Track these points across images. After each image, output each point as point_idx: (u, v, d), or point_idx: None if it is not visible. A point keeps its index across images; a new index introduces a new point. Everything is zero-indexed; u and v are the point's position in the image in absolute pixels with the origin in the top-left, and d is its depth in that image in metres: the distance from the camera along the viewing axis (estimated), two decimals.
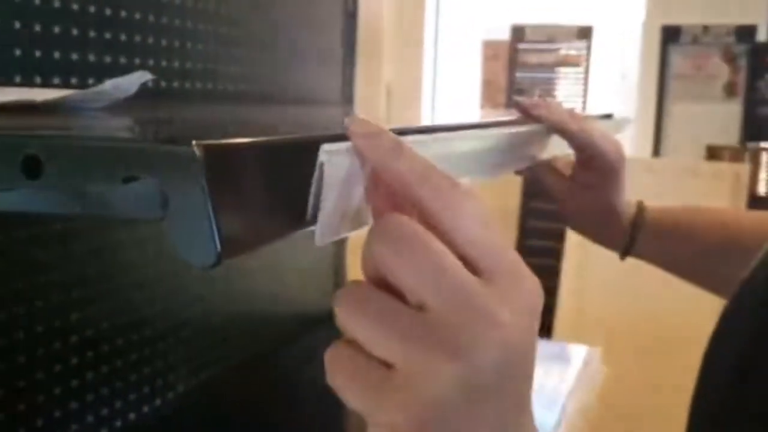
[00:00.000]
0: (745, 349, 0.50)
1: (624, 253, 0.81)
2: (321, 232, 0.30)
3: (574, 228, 0.84)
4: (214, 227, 0.24)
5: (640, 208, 0.81)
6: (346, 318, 0.33)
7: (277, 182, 0.28)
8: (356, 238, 0.59)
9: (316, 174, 0.28)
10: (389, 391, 0.31)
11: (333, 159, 0.29)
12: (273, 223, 0.28)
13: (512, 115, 0.75)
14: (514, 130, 0.61)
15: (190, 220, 0.24)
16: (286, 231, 0.28)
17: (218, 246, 0.24)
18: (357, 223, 0.35)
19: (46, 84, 0.72)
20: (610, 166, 0.77)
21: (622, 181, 0.79)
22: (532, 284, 0.34)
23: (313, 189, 0.28)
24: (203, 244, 0.24)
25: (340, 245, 1.35)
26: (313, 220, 0.29)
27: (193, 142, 0.23)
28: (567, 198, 0.81)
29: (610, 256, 0.82)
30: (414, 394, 0.31)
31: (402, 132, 0.35)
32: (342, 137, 0.30)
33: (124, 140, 0.25)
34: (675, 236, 0.80)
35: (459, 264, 0.32)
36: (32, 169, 0.25)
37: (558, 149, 0.78)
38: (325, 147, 0.28)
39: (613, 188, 0.79)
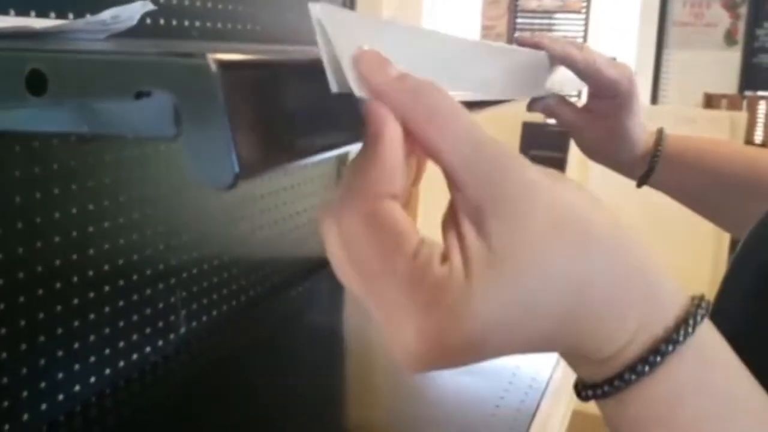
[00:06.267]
0: (756, 285, 0.49)
1: (641, 181, 0.80)
2: (355, 84, 0.27)
3: (592, 157, 0.82)
4: (232, 145, 0.22)
5: (660, 136, 0.79)
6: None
7: (292, 102, 0.26)
8: None
9: (318, 33, 0.26)
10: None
11: (326, 15, 0.26)
12: (289, 145, 0.26)
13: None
14: (515, 48, 0.59)
15: (205, 138, 0.22)
16: (302, 154, 0.27)
17: (236, 165, 0.23)
18: None
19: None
20: (621, 91, 0.75)
21: (635, 105, 0.77)
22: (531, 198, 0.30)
23: (323, 51, 0.26)
24: (220, 163, 0.22)
25: None
26: (343, 84, 0.27)
27: (208, 55, 0.22)
28: (582, 128, 0.79)
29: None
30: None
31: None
32: None
33: (134, 53, 0.23)
34: (696, 167, 0.78)
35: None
36: (37, 85, 0.24)
37: (568, 83, 0.76)
38: (312, 6, 0.26)
39: (626, 114, 0.77)
